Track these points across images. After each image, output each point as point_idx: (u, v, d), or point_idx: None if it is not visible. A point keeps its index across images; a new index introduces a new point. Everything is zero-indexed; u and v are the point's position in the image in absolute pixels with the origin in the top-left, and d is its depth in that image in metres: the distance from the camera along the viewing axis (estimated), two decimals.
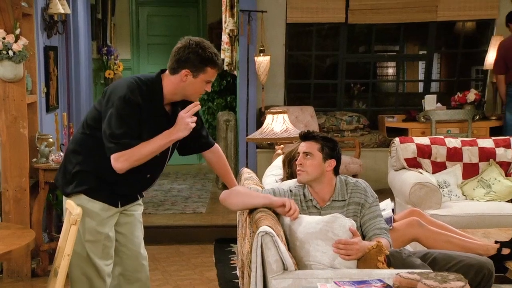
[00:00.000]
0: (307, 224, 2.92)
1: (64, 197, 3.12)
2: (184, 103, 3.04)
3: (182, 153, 3.31)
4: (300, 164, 3.29)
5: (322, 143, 3.31)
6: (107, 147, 2.91)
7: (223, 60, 7.67)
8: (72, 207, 2.90)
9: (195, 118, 2.97)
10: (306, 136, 3.36)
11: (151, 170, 3.09)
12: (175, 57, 2.97)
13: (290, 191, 3.35)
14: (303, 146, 3.34)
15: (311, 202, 3.30)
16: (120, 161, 2.88)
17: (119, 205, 3.09)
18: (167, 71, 3.02)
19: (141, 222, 3.30)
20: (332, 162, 3.30)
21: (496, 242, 3.58)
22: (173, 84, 2.99)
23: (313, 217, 3.01)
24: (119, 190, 3.07)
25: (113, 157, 2.88)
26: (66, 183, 3.06)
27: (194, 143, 3.25)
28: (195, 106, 2.97)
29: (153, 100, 2.97)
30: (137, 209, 3.26)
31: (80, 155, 3.03)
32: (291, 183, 3.51)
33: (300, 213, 3.16)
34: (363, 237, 3.21)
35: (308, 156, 3.28)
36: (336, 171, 3.34)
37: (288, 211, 3.11)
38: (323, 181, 3.29)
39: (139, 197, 3.25)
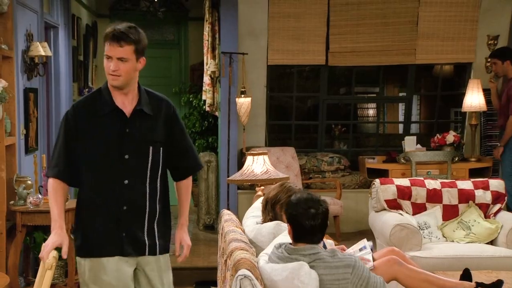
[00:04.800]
0: (273, 271, 2.89)
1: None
2: (155, 103, 3.08)
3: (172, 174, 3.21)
4: None
5: None
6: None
7: (204, 101, 7.71)
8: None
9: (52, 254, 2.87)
10: None
11: (124, 175, 3.05)
12: None
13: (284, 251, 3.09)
14: None
15: None
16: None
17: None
18: None
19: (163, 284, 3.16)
20: None
21: (476, 282, 3.57)
22: None
23: (279, 264, 2.96)
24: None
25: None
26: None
27: (180, 161, 3.13)
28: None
29: (100, 101, 3.04)
30: (154, 268, 3.17)
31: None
32: (273, 225, 3.49)
33: None
34: None
35: None
36: None
37: None
38: None
39: (146, 242, 3.14)
